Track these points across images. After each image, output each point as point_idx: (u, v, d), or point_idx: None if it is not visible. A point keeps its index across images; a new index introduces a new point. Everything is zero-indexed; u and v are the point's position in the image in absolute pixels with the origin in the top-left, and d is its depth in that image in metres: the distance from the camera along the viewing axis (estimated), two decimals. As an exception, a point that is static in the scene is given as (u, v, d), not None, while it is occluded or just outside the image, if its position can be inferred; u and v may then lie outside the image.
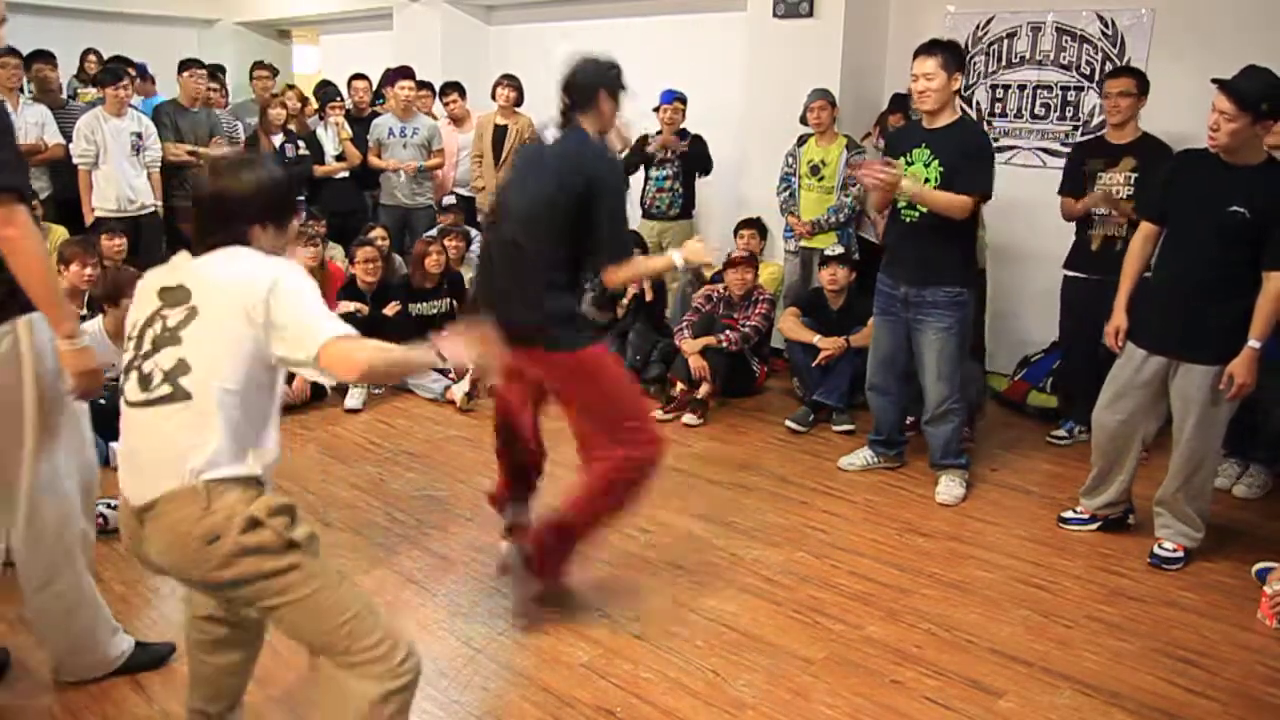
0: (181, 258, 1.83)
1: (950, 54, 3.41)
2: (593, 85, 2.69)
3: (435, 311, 5.09)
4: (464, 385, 4.69)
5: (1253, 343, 2.87)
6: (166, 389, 1.70)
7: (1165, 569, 3.16)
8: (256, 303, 1.69)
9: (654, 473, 2.71)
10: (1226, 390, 2.93)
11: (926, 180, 3.49)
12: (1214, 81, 2.84)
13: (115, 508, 3.21)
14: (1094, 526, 3.41)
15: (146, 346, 1.74)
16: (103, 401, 3.80)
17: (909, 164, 3.54)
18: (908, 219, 3.58)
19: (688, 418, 4.56)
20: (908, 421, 4.37)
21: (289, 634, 1.81)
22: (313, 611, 1.75)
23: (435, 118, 6.55)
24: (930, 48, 3.43)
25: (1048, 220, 4.40)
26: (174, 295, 1.75)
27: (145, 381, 1.72)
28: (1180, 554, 3.18)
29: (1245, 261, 2.89)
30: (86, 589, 2.34)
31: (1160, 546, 3.21)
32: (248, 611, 1.86)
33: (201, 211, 1.84)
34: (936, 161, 3.47)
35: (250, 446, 1.75)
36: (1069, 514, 3.47)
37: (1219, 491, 3.81)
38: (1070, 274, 4.24)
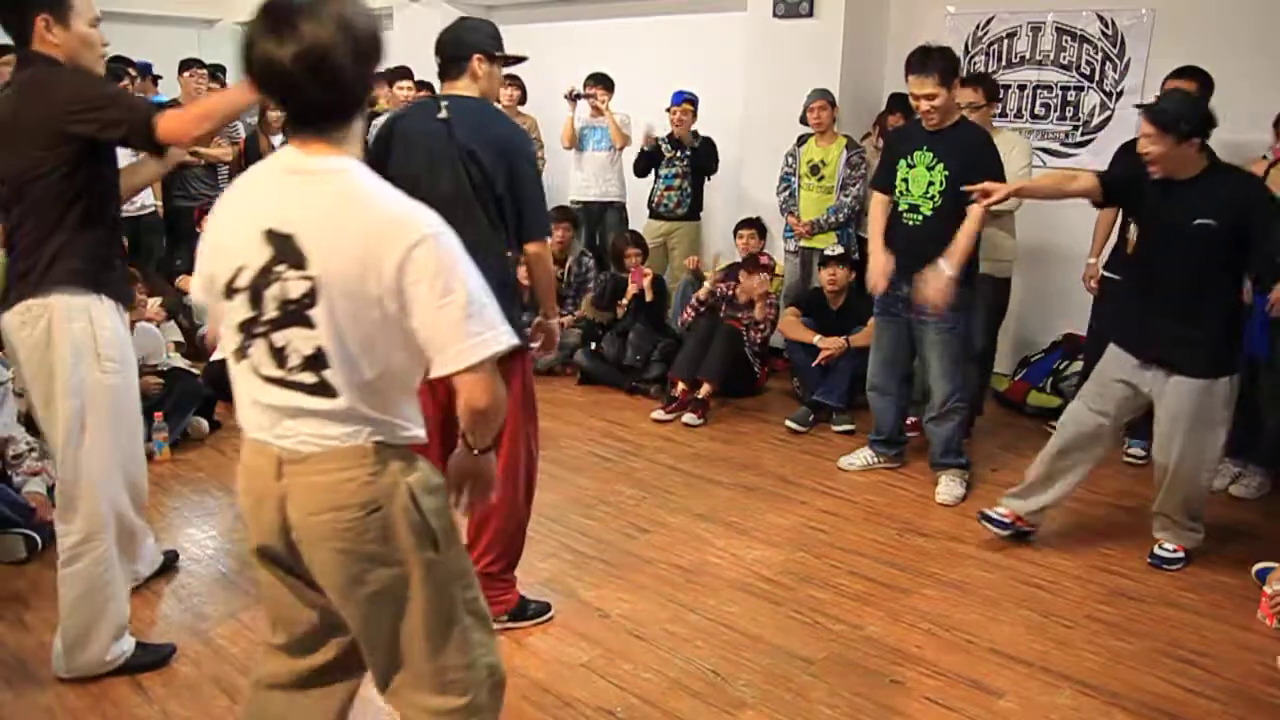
0: (288, 165, 1.47)
1: (946, 67, 3.36)
2: (466, 48, 2.49)
3: None
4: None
5: None
6: (309, 378, 1.46)
7: (1165, 569, 3.15)
8: (388, 289, 1.41)
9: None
10: (1225, 404, 2.94)
11: (930, 184, 3.48)
12: (1135, 107, 2.91)
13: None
14: (1006, 534, 3.28)
15: (271, 312, 1.44)
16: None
17: (909, 166, 3.53)
18: (911, 222, 3.57)
19: (688, 418, 4.56)
20: (908, 422, 4.37)
21: (378, 643, 1.58)
22: (428, 615, 1.56)
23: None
24: (925, 64, 3.36)
25: (1047, 221, 4.40)
26: (286, 249, 1.42)
27: (280, 358, 1.46)
28: (1180, 554, 3.17)
29: (1220, 271, 2.91)
30: (104, 580, 2.34)
31: (1161, 547, 3.20)
32: (354, 612, 1.56)
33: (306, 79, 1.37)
34: (941, 165, 3.45)
35: (410, 410, 1.55)
36: (990, 511, 3.32)
37: (1219, 492, 3.82)
38: (1106, 275, 4.12)
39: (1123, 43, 4.68)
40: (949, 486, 3.72)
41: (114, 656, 2.40)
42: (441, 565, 1.57)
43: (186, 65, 5.97)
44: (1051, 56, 4.93)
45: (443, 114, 2.47)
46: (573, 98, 5.80)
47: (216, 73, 6.90)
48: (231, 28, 9.45)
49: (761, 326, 4.87)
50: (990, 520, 3.31)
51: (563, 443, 4.28)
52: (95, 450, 2.26)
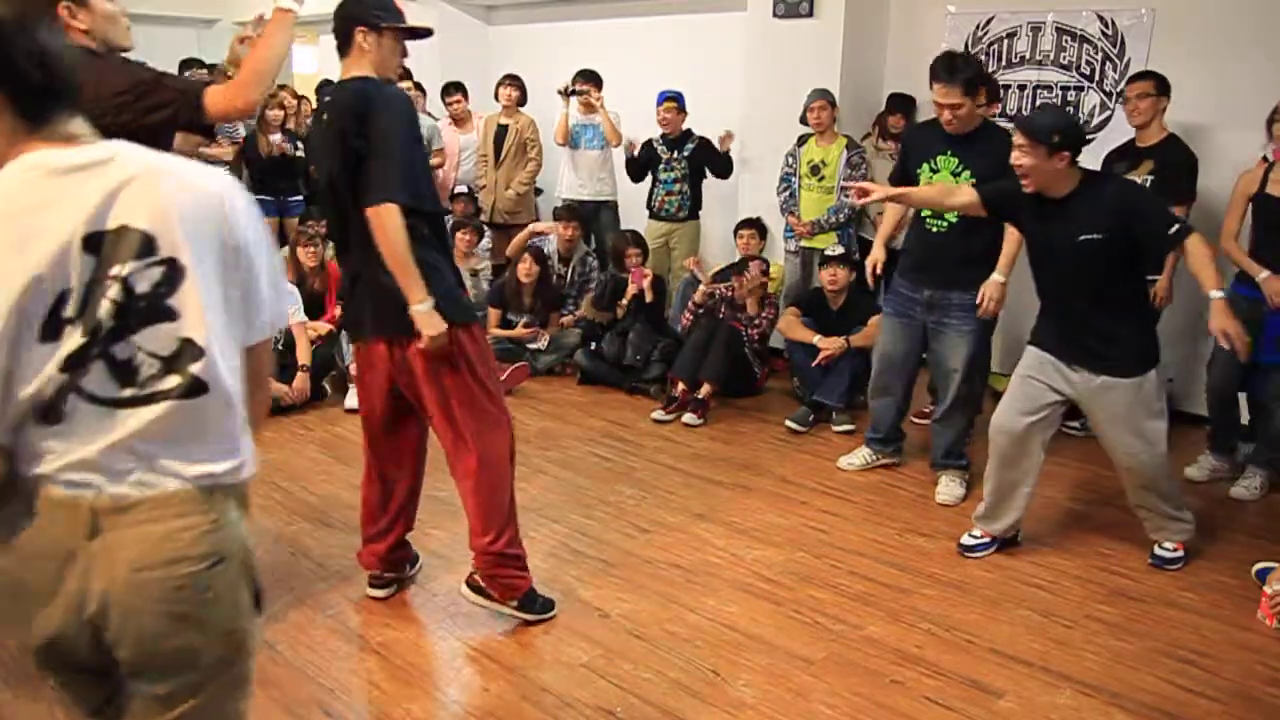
0: (52, 168, 1.21)
1: (971, 76, 3.34)
2: (347, 21, 2.41)
3: None
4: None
5: (1215, 294, 2.73)
6: (172, 382, 1.25)
7: (1167, 569, 3.15)
8: (229, 238, 1.30)
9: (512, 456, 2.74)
10: (1157, 394, 2.95)
11: None
12: (1012, 120, 2.89)
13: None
14: (993, 549, 3.26)
15: (108, 323, 1.22)
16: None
17: (933, 170, 3.51)
18: (935, 229, 3.55)
19: (688, 418, 4.56)
20: (926, 410, 4.37)
21: None
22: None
23: (434, 118, 6.55)
24: (951, 73, 3.31)
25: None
26: (121, 244, 1.22)
27: (126, 373, 1.24)
28: (1180, 554, 3.17)
29: (1120, 278, 2.90)
30: None
31: (1160, 547, 3.19)
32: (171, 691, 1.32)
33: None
34: (968, 172, 3.43)
35: (243, 440, 1.35)
36: (968, 540, 3.27)
37: (1218, 492, 3.82)
38: None
39: (1123, 43, 4.68)
40: (949, 487, 3.72)
41: None
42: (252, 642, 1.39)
43: (187, 65, 5.97)
44: (1051, 56, 4.93)
45: (324, 114, 2.46)
46: (567, 93, 5.80)
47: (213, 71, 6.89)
48: (232, 28, 9.46)
49: (758, 323, 4.87)
50: (970, 549, 3.25)
51: (563, 443, 4.28)
52: None
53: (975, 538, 3.27)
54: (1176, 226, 2.79)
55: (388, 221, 2.32)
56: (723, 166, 5.51)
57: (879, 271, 3.92)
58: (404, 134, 2.36)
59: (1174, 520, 3.17)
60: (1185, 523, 3.18)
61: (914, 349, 3.75)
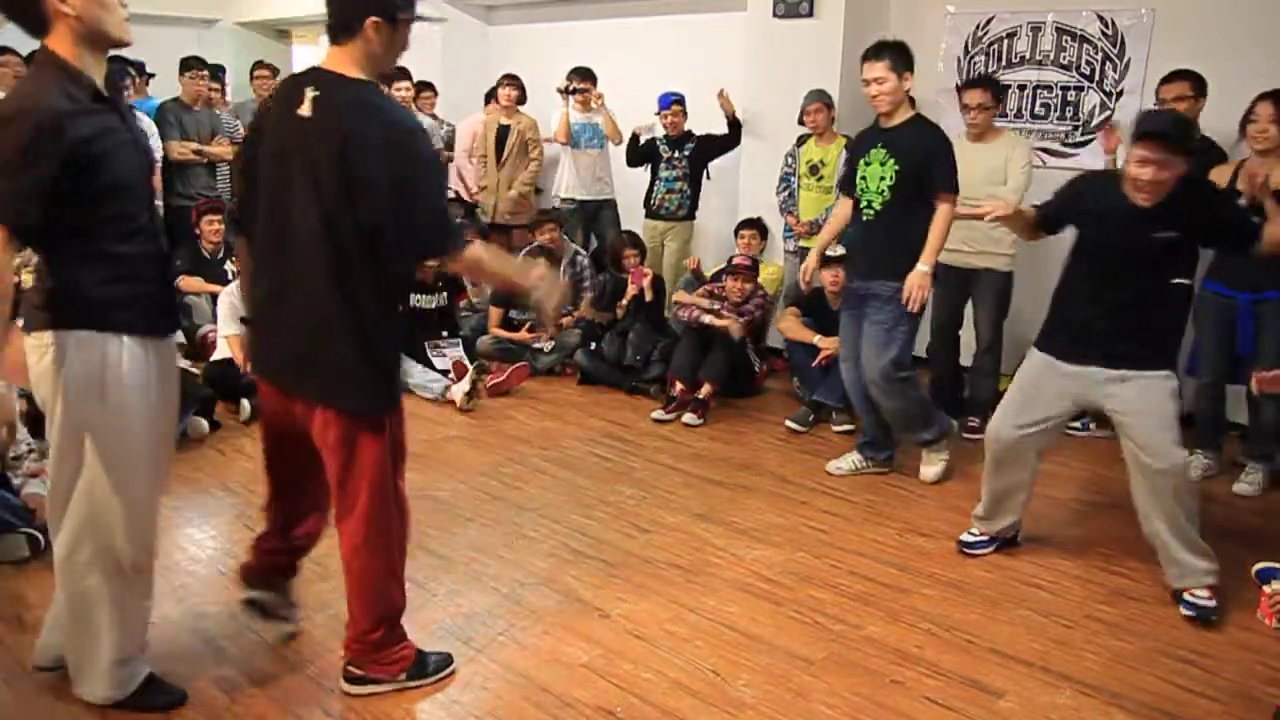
0: None
1: (898, 55, 3.44)
2: (358, 6, 2.05)
3: (432, 305, 5.10)
4: (464, 385, 4.68)
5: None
6: None
7: (1208, 623, 2.82)
8: None
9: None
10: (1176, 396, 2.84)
11: (881, 179, 3.52)
12: (1135, 136, 2.72)
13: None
14: (993, 549, 3.25)
15: None
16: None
17: (867, 164, 3.58)
18: (865, 215, 3.62)
19: (688, 418, 4.56)
20: (972, 423, 4.41)
21: None
22: None
23: (437, 118, 6.55)
24: (878, 50, 3.47)
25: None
26: None
27: None
28: (1214, 602, 2.86)
29: (1178, 271, 2.87)
30: (86, 614, 2.20)
31: (1193, 595, 2.87)
32: None
33: None
34: (892, 160, 3.49)
35: None
36: (968, 537, 3.27)
37: (1215, 491, 3.82)
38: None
39: (1123, 43, 4.68)
40: (928, 464, 3.87)
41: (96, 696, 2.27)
42: None
43: (187, 65, 5.96)
44: (1051, 56, 4.93)
45: (305, 107, 2.05)
46: (568, 92, 5.80)
47: (217, 72, 6.89)
48: (231, 28, 9.46)
49: (749, 310, 4.83)
50: (970, 546, 3.25)
51: (563, 443, 4.28)
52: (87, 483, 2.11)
53: (974, 535, 3.27)
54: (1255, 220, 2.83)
55: (474, 261, 2.21)
56: (728, 140, 5.52)
57: (809, 280, 3.96)
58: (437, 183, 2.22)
59: (1198, 555, 2.88)
60: (1210, 560, 2.88)
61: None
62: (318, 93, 2.05)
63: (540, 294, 2.27)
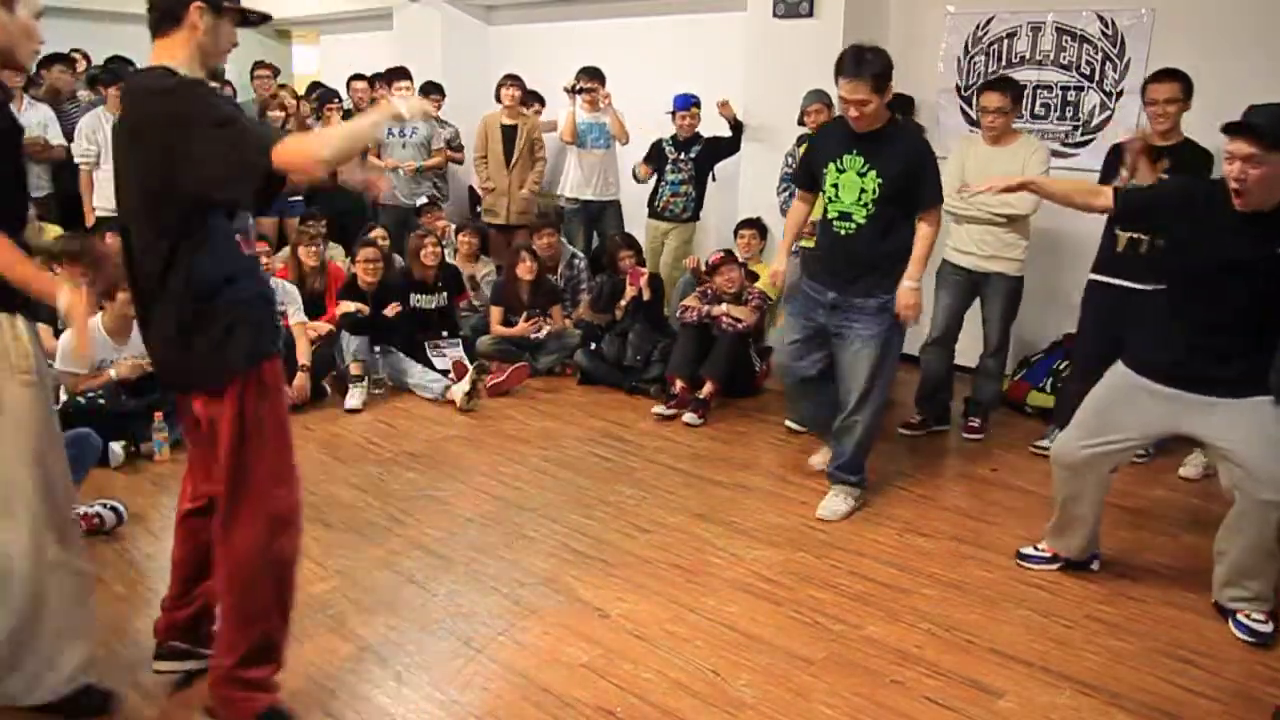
0: None
1: (881, 73, 3.10)
2: None
3: (433, 305, 5.10)
4: (464, 385, 4.68)
5: None
6: None
7: (1262, 647, 2.73)
8: None
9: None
10: None
11: (862, 191, 3.27)
12: (1226, 129, 2.49)
13: (115, 509, 3.23)
14: (1056, 567, 3.12)
15: None
16: (101, 401, 3.84)
17: (839, 170, 3.31)
18: (843, 231, 3.37)
19: (688, 417, 4.56)
20: (913, 420, 4.40)
21: None
22: None
23: (441, 120, 6.56)
24: (858, 66, 3.10)
25: (1047, 221, 4.39)
26: None
27: None
28: (1271, 627, 2.75)
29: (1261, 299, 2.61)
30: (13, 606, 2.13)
31: (1250, 619, 2.77)
32: None
33: None
34: (874, 172, 3.25)
35: None
36: (1029, 550, 3.18)
37: (1215, 490, 3.81)
38: (1093, 278, 4.02)
39: (1123, 43, 4.68)
40: (834, 501, 3.53)
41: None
42: None
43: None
44: (1051, 56, 4.93)
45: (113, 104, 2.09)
46: (573, 91, 5.80)
47: (216, 73, 6.87)
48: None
49: (755, 296, 4.83)
50: (1029, 559, 3.15)
51: (563, 443, 4.28)
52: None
53: (1038, 550, 3.16)
54: None
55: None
56: (731, 143, 5.52)
57: (780, 284, 3.89)
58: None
59: (1264, 586, 2.76)
60: (1271, 587, 2.76)
61: (813, 350, 3.53)
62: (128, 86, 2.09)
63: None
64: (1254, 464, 2.61)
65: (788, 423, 4.50)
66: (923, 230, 3.33)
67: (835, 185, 3.35)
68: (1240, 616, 2.79)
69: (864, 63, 3.09)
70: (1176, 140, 3.82)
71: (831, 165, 3.34)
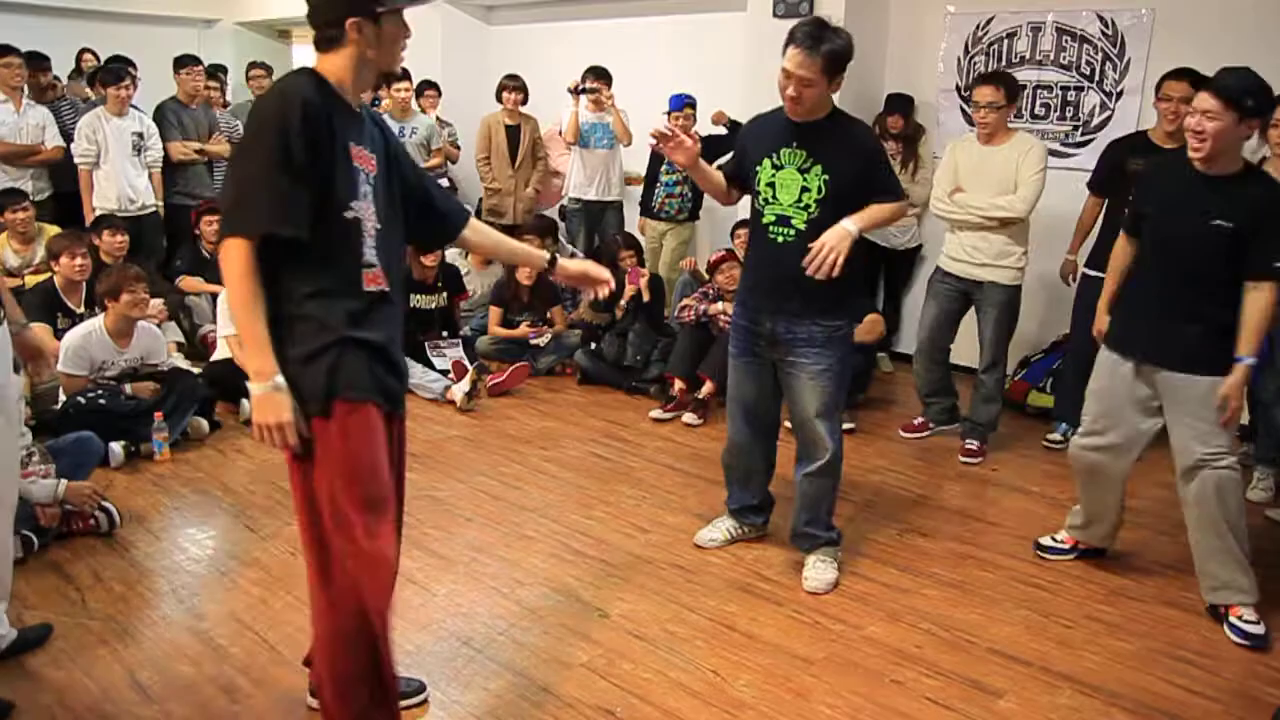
0: None
1: (836, 56, 2.65)
2: (335, 7, 1.87)
3: (433, 305, 5.10)
4: (464, 385, 4.69)
5: (1244, 359, 2.65)
6: None
7: (1253, 649, 2.73)
8: None
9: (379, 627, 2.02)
10: (1222, 411, 2.69)
11: (804, 190, 2.78)
12: (1192, 84, 2.69)
13: (107, 510, 3.22)
14: (1072, 556, 3.19)
15: None
16: (102, 402, 3.84)
17: (775, 166, 2.82)
18: (780, 238, 2.83)
19: (688, 417, 4.56)
20: (915, 422, 4.39)
21: None
22: None
23: (440, 120, 6.55)
24: (815, 42, 2.62)
25: (1048, 220, 4.39)
26: None
27: None
28: (1263, 628, 2.74)
29: (1232, 271, 2.70)
30: None
31: (1241, 620, 2.76)
32: None
33: None
34: (819, 168, 2.76)
35: None
36: (1047, 541, 3.23)
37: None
38: (1089, 272, 4.01)
39: (1123, 43, 4.68)
40: (819, 570, 3.01)
41: None
42: None
43: (181, 62, 5.94)
44: (1051, 56, 4.93)
45: None
46: (577, 91, 5.80)
47: (217, 71, 6.88)
48: (231, 28, 9.46)
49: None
50: (1048, 550, 3.20)
51: (563, 443, 4.28)
52: None
53: (1055, 541, 3.20)
54: None
55: (228, 256, 1.80)
56: (726, 142, 5.50)
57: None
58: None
59: (1242, 575, 2.78)
60: (1248, 576, 2.79)
61: (767, 394, 3.05)
62: None
63: None
64: (1177, 439, 2.78)
65: (787, 423, 4.49)
66: (884, 204, 2.80)
67: (771, 185, 2.84)
68: (1232, 618, 2.79)
69: (822, 39, 2.62)
70: (1180, 143, 3.81)
71: (766, 161, 2.84)
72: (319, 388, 1.87)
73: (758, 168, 2.87)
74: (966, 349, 4.44)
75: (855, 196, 2.75)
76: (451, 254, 5.79)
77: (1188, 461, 2.77)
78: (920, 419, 4.43)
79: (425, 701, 2.36)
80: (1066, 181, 4.51)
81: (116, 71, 5.52)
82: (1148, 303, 2.86)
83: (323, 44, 1.91)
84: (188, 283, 5.38)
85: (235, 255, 1.79)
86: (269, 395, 1.84)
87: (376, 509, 1.94)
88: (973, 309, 4.10)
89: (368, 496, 1.92)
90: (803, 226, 2.79)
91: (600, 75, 5.81)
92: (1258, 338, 2.66)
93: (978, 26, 5.14)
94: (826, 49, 2.62)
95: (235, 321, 1.85)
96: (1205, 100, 2.61)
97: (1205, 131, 2.61)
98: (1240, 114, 2.57)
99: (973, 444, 4.17)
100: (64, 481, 3.07)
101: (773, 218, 2.84)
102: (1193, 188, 2.72)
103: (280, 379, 1.85)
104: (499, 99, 6.16)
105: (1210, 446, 2.72)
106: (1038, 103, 5.00)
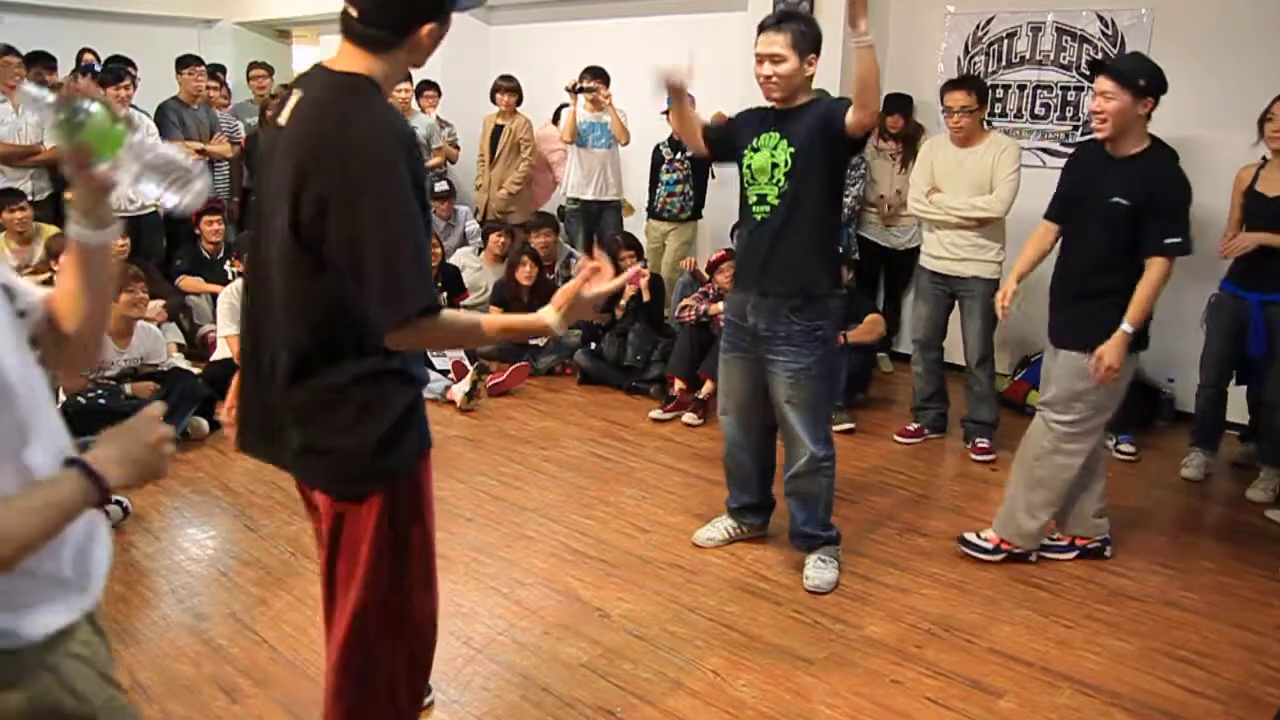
0: None
1: (803, 31, 2.78)
2: (413, 10, 1.67)
3: None
4: (464, 385, 4.69)
5: (1126, 326, 2.81)
6: None
7: (978, 556, 3.16)
8: None
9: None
10: (1094, 372, 2.83)
11: (774, 165, 2.84)
12: (1092, 67, 2.91)
13: (119, 501, 3.23)
14: (1072, 555, 3.19)
15: None
16: (102, 401, 3.84)
17: (754, 150, 2.90)
18: (760, 216, 2.90)
19: (688, 417, 4.56)
20: (911, 428, 4.37)
21: None
22: None
23: (440, 120, 6.55)
24: (779, 21, 2.79)
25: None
26: None
27: None
28: (991, 546, 3.17)
29: (1131, 249, 2.85)
30: None
31: (979, 535, 3.22)
32: None
33: None
34: (784, 142, 2.83)
35: None
36: (1047, 540, 3.22)
37: (1216, 491, 3.82)
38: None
39: (1123, 43, 4.68)
40: (819, 570, 3.00)
41: None
42: None
43: (184, 63, 5.94)
44: (1051, 56, 4.93)
45: (284, 114, 1.69)
46: (575, 90, 5.80)
47: (216, 71, 6.88)
48: (231, 28, 9.46)
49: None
50: (1050, 549, 3.20)
51: (563, 443, 4.28)
52: None
53: (1052, 539, 3.22)
54: (1174, 241, 2.77)
55: (418, 337, 1.62)
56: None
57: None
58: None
59: (1025, 518, 3.10)
60: (1031, 519, 3.10)
61: (759, 390, 3.02)
62: (300, 93, 1.70)
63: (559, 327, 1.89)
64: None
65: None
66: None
67: (749, 167, 2.92)
68: (966, 535, 3.22)
69: (787, 17, 2.82)
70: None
71: (748, 149, 2.93)
72: (415, 443, 1.72)
73: (743, 153, 2.95)
74: (956, 348, 4.44)
75: (821, 169, 2.83)
76: (452, 255, 5.79)
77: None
78: (915, 425, 4.42)
79: (430, 704, 2.36)
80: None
81: (116, 71, 5.52)
82: (1063, 287, 3.03)
83: (375, 45, 1.67)
84: (188, 283, 5.38)
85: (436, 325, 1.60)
86: (558, 318, 1.84)
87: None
88: (957, 306, 4.21)
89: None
90: (776, 202, 2.87)
91: (598, 75, 5.81)
92: (1142, 310, 2.81)
93: (978, 26, 5.14)
94: (791, 25, 2.80)
95: (486, 342, 1.94)
96: (1102, 83, 2.82)
97: (1105, 111, 2.81)
98: (1134, 93, 2.77)
99: (983, 442, 4.22)
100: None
101: (754, 198, 2.95)
102: (1101, 169, 2.91)
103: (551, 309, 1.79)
104: (493, 100, 6.19)
105: (1047, 397, 3.03)
106: (1038, 103, 5.00)
